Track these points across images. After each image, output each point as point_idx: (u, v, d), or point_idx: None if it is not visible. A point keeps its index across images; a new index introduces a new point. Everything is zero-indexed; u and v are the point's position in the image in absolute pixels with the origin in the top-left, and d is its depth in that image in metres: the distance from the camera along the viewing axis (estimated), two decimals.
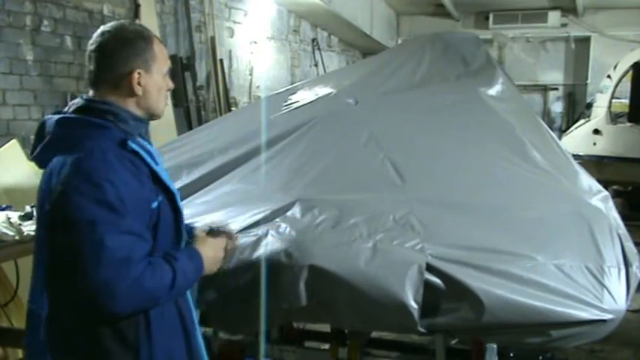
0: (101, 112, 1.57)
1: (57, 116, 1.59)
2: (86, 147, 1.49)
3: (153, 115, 1.67)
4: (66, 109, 1.62)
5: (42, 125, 1.61)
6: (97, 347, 1.52)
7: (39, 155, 1.60)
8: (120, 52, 1.58)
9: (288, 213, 2.23)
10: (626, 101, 7.71)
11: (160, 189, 1.58)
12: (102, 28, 1.63)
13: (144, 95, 1.62)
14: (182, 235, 1.68)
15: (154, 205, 1.55)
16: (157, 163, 1.61)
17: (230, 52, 7.91)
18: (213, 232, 1.75)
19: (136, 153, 1.53)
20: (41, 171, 1.63)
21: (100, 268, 1.39)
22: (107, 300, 1.40)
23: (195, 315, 1.71)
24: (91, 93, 1.62)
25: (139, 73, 1.59)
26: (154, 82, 1.63)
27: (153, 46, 1.62)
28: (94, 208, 1.41)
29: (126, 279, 1.40)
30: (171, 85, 1.70)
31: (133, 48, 1.59)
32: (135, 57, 1.59)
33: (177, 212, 1.64)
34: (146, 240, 1.50)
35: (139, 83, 1.60)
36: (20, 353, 3.04)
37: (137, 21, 5.92)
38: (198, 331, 1.70)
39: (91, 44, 1.62)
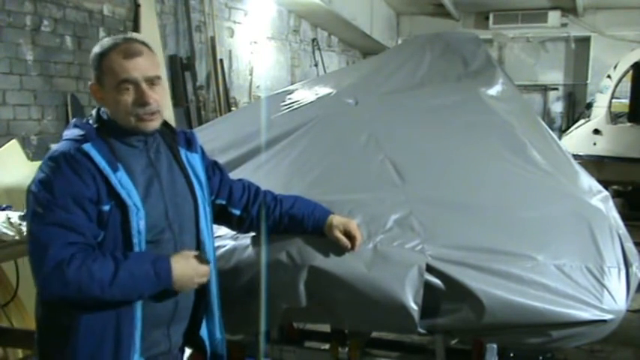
0: (92, 117, 1.74)
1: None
2: (57, 146, 1.67)
3: (128, 128, 1.69)
4: None
5: None
6: (42, 331, 1.69)
7: None
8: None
9: None
10: (626, 101, 7.71)
11: (112, 196, 1.60)
12: None
13: (107, 108, 1.71)
14: (139, 247, 1.63)
15: (105, 207, 1.59)
16: (130, 172, 1.64)
17: (230, 52, 7.91)
18: (200, 257, 1.70)
19: (89, 156, 1.60)
20: None
21: (31, 255, 1.56)
22: (37, 283, 1.54)
23: (138, 335, 1.63)
24: None
25: (94, 87, 1.71)
26: (109, 95, 1.68)
27: (105, 60, 1.66)
28: (33, 204, 1.58)
29: (46, 265, 1.51)
30: (128, 99, 1.65)
31: (92, 63, 1.70)
32: (93, 71, 1.70)
33: (127, 224, 1.61)
34: (77, 232, 1.54)
35: (98, 96, 1.71)
36: (20, 353, 3.04)
37: (137, 20, 5.91)
38: (135, 351, 1.64)
39: None
